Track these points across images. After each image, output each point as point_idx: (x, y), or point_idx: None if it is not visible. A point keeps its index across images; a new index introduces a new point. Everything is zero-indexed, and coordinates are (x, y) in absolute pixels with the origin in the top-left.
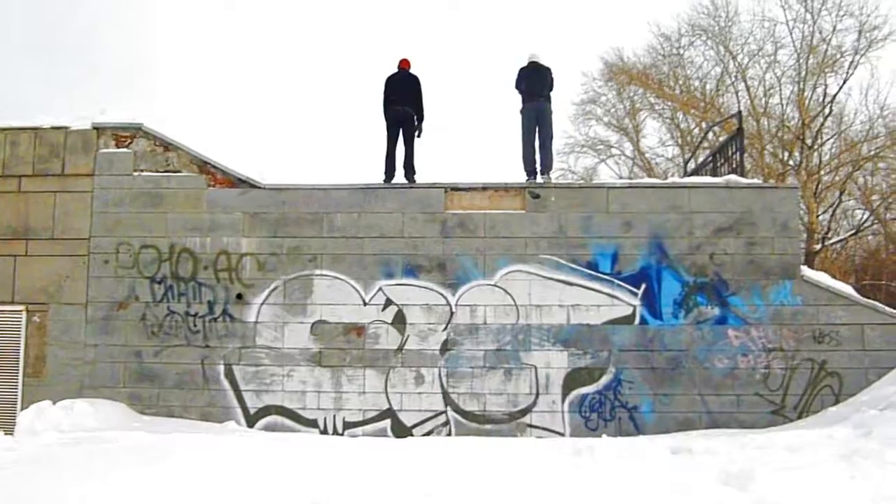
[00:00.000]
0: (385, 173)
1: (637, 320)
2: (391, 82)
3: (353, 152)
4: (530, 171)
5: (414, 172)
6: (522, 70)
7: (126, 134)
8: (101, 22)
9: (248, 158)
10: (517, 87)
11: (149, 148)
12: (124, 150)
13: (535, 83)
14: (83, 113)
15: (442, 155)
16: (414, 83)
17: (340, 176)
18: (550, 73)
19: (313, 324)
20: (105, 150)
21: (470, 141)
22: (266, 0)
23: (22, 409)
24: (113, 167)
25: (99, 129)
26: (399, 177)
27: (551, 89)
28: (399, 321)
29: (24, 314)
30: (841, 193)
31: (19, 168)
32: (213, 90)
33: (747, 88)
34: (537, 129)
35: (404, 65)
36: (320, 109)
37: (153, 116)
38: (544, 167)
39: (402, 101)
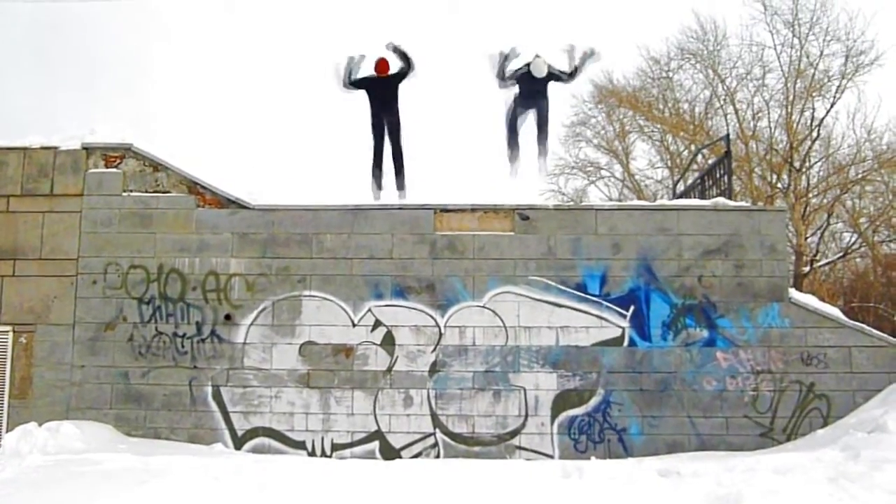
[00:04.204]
0: (372, 181)
1: (626, 342)
2: (371, 92)
3: (350, 159)
4: (513, 157)
5: (404, 177)
6: (518, 73)
7: (115, 154)
8: (98, 23)
9: (238, 175)
10: (501, 76)
11: (138, 168)
12: (114, 170)
13: (534, 82)
14: (73, 133)
15: (436, 160)
16: (394, 86)
17: (332, 190)
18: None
19: (302, 345)
20: (94, 170)
21: (465, 141)
22: (264, 2)
23: (7, 430)
24: (102, 187)
25: (88, 149)
26: (390, 188)
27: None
28: (388, 342)
29: (10, 335)
30: (829, 216)
31: (7, 188)
32: (208, 96)
33: (736, 112)
34: (536, 124)
35: (383, 69)
36: (317, 114)
37: (145, 129)
38: (543, 151)
39: (384, 109)
